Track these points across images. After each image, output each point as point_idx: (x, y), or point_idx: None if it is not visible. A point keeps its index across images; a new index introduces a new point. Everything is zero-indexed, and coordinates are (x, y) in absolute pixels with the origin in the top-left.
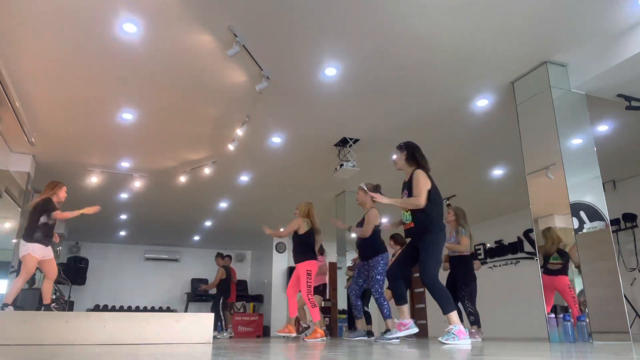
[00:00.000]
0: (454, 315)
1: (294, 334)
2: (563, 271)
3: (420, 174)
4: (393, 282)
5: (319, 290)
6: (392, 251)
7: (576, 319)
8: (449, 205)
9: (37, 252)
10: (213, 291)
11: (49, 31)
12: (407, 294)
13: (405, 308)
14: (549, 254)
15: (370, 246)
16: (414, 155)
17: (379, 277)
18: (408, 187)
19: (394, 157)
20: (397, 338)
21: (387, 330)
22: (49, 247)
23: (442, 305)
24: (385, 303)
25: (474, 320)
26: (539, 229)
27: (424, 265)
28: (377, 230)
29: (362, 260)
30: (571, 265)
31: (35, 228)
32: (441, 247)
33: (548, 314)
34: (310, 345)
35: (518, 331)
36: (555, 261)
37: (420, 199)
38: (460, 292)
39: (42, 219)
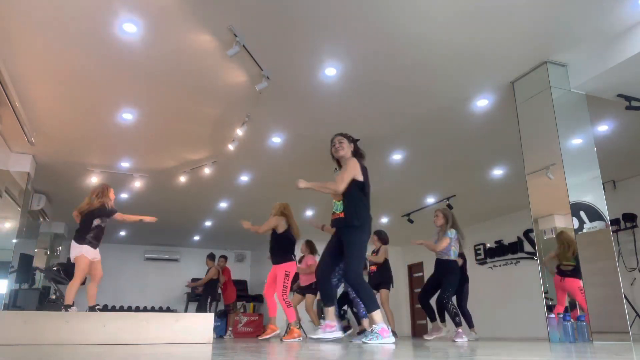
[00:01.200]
0: (377, 314)
1: (278, 330)
2: (575, 274)
3: (354, 162)
4: (323, 282)
5: (311, 288)
6: (374, 247)
7: (576, 319)
8: (448, 205)
9: (89, 254)
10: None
11: (49, 31)
12: (336, 294)
13: (332, 310)
14: (566, 258)
15: None
16: (358, 149)
17: None
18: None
19: (342, 143)
20: (322, 339)
21: (364, 331)
22: (97, 250)
23: (366, 303)
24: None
25: (459, 321)
26: (539, 230)
27: (350, 263)
28: None
29: None
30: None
31: (88, 230)
32: (365, 243)
33: (558, 313)
34: (289, 346)
35: (518, 331)
36: (569, 263)
37: (340, 185)
38: (444, 296)
39: (96, 222)
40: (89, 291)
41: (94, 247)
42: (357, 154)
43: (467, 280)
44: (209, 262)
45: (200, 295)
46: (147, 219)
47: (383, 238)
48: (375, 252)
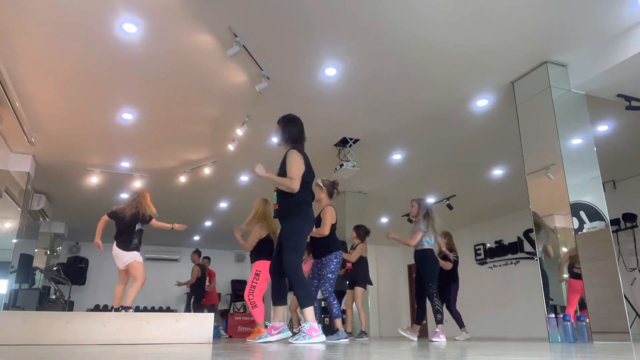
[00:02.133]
0: (309, 312)
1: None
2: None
3: (294, 155)
4: (275, 278)
5: None
6: (353, 243)
7: (576, 319)
8: (448, 205)
9: (139, 258)
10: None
11: (49, 31)
12: (287, 295)
13: (281, 310)
14: (576, 259)
15: (326, 244)
16: (294, 135)
17: (330, 275)
18: (281, 165)
19: (278, 132)
20: (269, 342)
21: (337, 330)
22: (135, 252)
23: (299, 298)
24: (335, 302)
25: (440, 319)
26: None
27: (286, 252)
28: (333, 228)
29: (315, 258)
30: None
31: (132, 235)
32: (306, 234)
33: (565, 315)
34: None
35: (518, 331)
36: (580, 265)
37: (294, 183)
38: (428, 289)
39: (137, 226)
40: (132, 293)
41: (139, 250)
42: (294, 140)
43: (457, 280)
44: (195, 258)
45: (188, 295)
46: (178, 226)
47: (361, 235)
48: (353, 248)
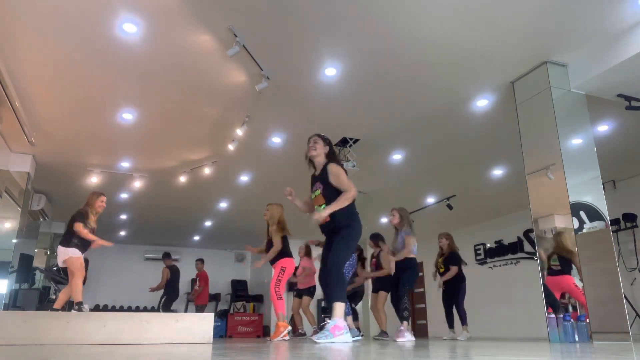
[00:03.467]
0: (339, 306)
1: (289, 328)
2: (565, 270)
3: (337, 167)
4: (324, 285)
5: (309, 291)
6: (371, 252)
7: (577, 319)
8: (448, 205)
9: (77, 254)
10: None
11: (49, 31)
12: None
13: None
14: (549, 256)
15: None
16: (332, 151)
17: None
18: (321, 180)
19: (316, 144)
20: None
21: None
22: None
23: (333, 292)
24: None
25: (407, 315)
26: (539, 229)
27: (335, 251)
28: None
29: None
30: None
31: (73, 235)
32: (357, 241)
33: (565, 315)
34: (278, 345)
35: (518, 331)
36: (555, 262)
37: (352, 190)
38: (400, 290)
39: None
40: (72, 289)
41: (82, 251)
42: (333, 156)
43: (464, 279)
44: (166, 261)
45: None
46: (102, 242)
47: (377, 242)
48: (375, 256)
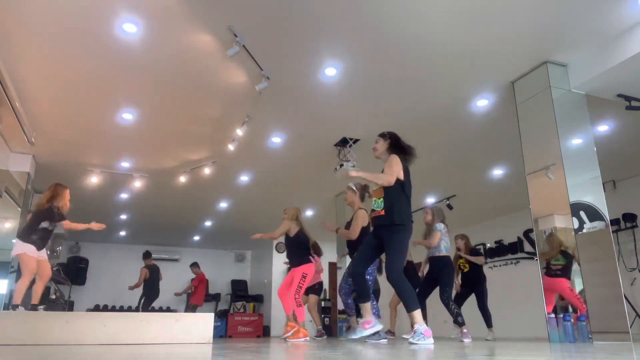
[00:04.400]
0: (417, 314)
1: (296, 327)
2: (563, 274)
3: (394, 157)
4: (359, 278)
5: (315, 289)
6: None
7: (576, 319)
8: (448, 205)
9: (32, 252)
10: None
11: (49, 31)
12: (370, 292)
13: (368, 306)
14: (551, 257)
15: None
16: (395, 142)
17: None
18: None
19: (376, 143)
20: (367, 337)
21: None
22: (43, 250)
23: (407, 303)
24: (351, 302)
25: (462, 321)
26: (539, 230)
27: (391, 262)
28: (364, 232)
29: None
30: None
31: (34, 231)
32: (407, 243)
33: (548, 313)
34: (294, 345)
35: (518, 331)
36: (557, 262)
37: (390, 177)
38: (442, 294)
39: (43, 224)
40: (36, 290)
41: (39, 248)
42: (397, 148)
43: (485, 279)
44: (145, 261)
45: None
46: (95, 226)
47: None
48: None
